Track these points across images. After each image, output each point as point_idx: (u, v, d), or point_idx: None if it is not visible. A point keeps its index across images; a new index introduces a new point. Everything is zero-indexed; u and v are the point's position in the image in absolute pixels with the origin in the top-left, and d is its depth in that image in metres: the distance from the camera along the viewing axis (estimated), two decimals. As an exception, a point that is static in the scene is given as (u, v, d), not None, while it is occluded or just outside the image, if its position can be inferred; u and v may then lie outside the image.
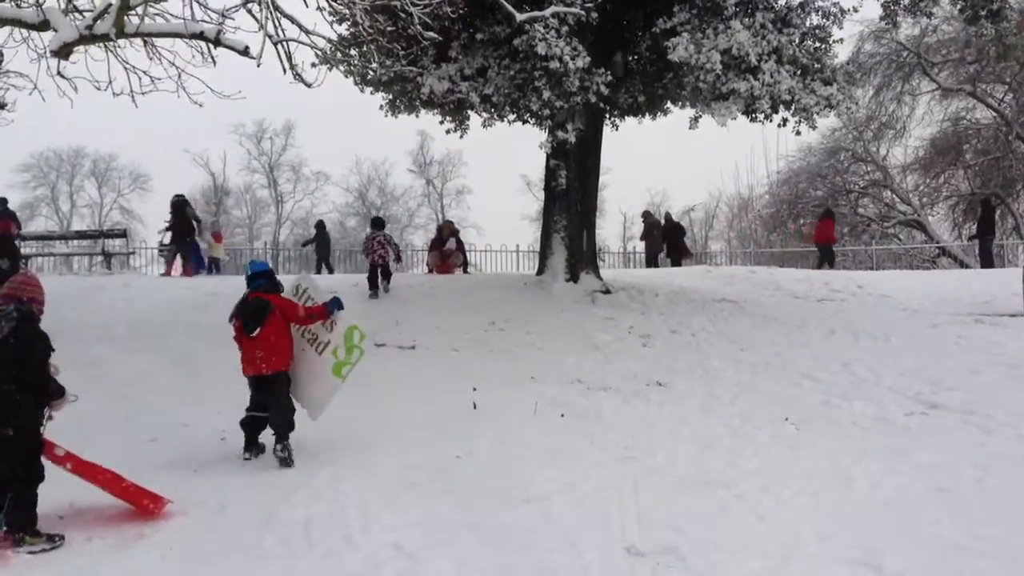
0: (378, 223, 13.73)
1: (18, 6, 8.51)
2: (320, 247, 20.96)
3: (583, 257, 13.11)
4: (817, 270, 17.91)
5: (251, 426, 6.49)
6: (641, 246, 22.77)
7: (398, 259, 13.33)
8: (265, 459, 6.34)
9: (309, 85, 8.57)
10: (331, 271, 20.45)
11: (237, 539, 4.76)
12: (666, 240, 20.86)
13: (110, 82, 8.57)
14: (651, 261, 21.24)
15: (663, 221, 21.87)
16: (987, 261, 19.22)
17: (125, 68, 8.79)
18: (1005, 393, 7.90)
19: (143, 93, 8.77)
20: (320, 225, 21.84)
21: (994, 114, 27.65)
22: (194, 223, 16.50)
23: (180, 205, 16.33)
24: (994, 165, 27.64)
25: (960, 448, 6.50)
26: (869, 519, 5.07)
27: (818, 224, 20.34)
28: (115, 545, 4.70)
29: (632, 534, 4.80)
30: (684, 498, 5.47)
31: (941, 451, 6.42)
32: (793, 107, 11.38)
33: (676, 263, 20.12)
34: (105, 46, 8.37)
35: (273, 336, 6.44)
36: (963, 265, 23.20)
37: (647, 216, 22.12)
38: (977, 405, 7.56)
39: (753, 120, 11.79)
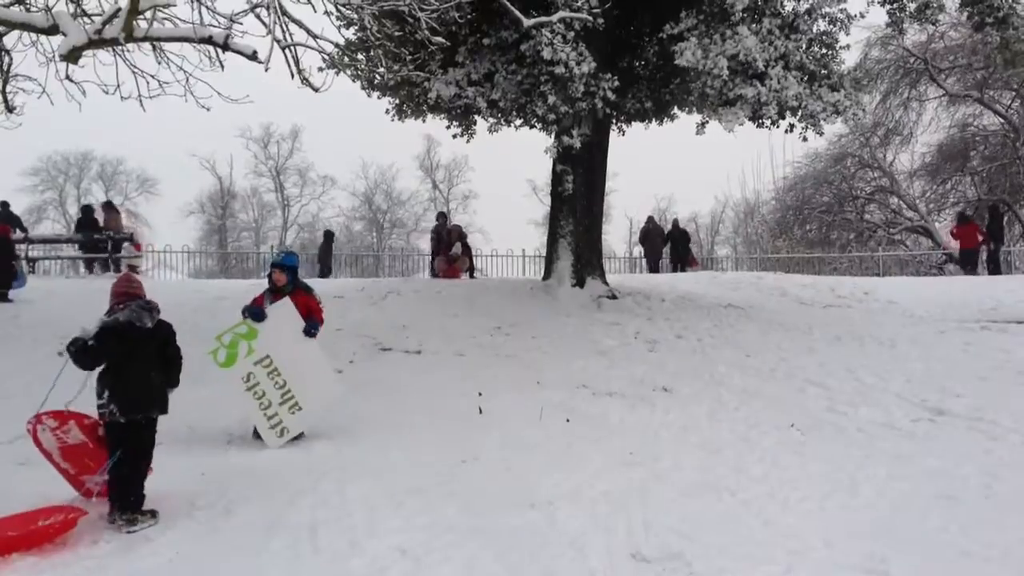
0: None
1: (28, 10, 8.56)
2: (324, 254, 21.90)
3: (589, 262, 13.12)
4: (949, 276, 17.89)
5: None
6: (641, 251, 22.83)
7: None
8: (269, 462, 6.35)
9: (316, 89, 8.58)
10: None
11: (244, 543, 4.77)
12: (671, 246, 20.83)
13: (118, 86, 8.61)
14: (653, 267, 21.22)
15: (669, 227, 21.84)
16: (994, 268, 19.17)
17: (133, 72, 8.83)
18: (1012, 399, 7.87)
19: (151, 97, 8.82)
20: (327, 234, 23.04)
21: (1001, 120, 27.59)
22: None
23: (87, 212, 18.97)
24: (1001, 171, 27.57)
25: (966, 455, 6.47)
26: (875, 525, 5.06)
27: (962, 230, 19.69)
28: (122, 548, 4.71)
29: (638, 540, 4.79)
30: (690, 504, 5.46)
31: (947, 457, 6.40)
32: (800, 113, 11.39)
33: (680, 270, 20.07)
34: (113, 50, 8.40)
35: None
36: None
37: (649, 221, 22.14)
38: (984, 411, 7.53)
39: (760, 126, 11.80)
